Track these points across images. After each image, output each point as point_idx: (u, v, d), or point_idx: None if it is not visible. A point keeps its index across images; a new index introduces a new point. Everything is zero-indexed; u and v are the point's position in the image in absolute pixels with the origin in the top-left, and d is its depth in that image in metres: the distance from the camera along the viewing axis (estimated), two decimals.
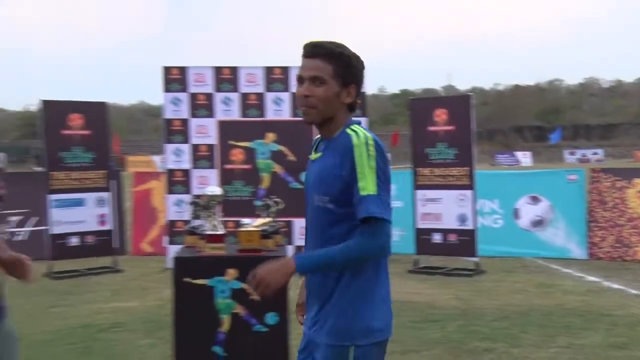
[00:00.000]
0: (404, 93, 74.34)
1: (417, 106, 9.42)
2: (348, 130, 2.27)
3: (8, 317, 2.30)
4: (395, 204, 10.59)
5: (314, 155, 2.39)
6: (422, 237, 9.07)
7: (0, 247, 2.29)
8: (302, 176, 8.71)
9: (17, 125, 66.81)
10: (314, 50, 2.28)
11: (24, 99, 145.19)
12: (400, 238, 10.48)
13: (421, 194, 9.11)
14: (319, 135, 2.44)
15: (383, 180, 2.20)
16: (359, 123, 2.36)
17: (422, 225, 9.08)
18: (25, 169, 29.99)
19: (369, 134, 2.25)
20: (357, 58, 2.33)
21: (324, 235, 2.27)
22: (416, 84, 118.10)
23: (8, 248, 2.28)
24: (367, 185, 2.15)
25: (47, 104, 8.90)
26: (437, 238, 9.00)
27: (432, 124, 9.00)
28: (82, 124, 9.03)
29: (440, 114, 8.97)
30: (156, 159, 43.41)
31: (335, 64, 2.26)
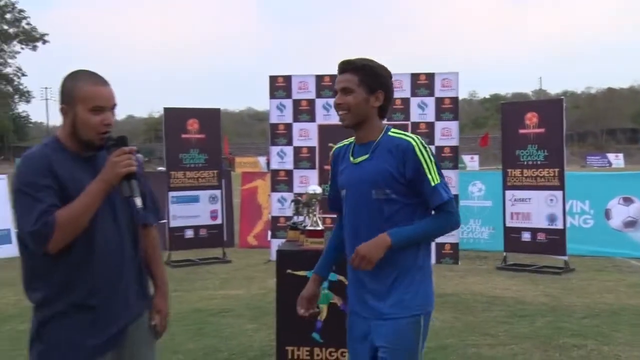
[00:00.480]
0: (495, 97, 72.18)
1: (509, 110, 9.18)
2: (396, 135, 2.54)
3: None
4: (485, 203, 10.35)
5: (358, 159, 2.59)
6: (511, 235, 8.79)
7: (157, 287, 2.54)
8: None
9: (143, 130, 70.35)
10: (343, 67, 2.57)
11: (149, 106, 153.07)
12: (489, 236, 10.23)
13: (511, 194, 8.83)
14: (342, 143, 2.74)
15: (439, 168, 2.51)
16: (390, 128, 2.61)
17: (511, 224, 8.80)
18: (150, 169, 31.47)
19: (414, 135, 2.54)
20: (382, 68, 2.60)
21: (387, 222, 2.48)
22: (507, 88, 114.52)
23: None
24: (434, 177, 2.46)
25: (169, 111, 9.33)
26: (526, 236, 8.70)
27: (523, 126, 8.72)
28: (197, 128, 9.39)
29: (531, 117, 8.67)
30: (261, 160, 44.48)
31: (360, 75, 2.54)
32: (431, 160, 2.47)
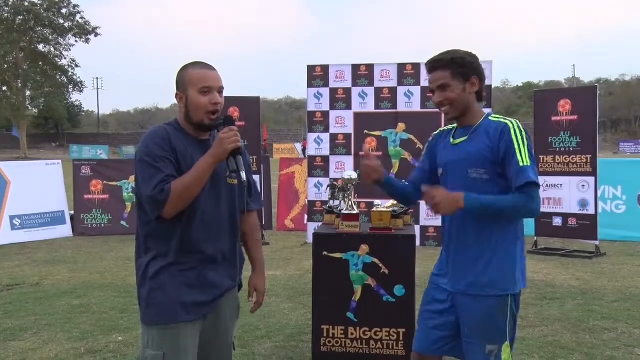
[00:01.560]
0: (527, 85, 70.67)
1: (542, 97, 8.98)
2: (495, 119, 2.54)
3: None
4: None
5: (457, 140, 2.60)
6: (543, 220, 8.63)
7: (255, 265, 2.80)
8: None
9: None
10: (432, 66, 2.58)
11: None
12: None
13: (543, 180, 8.65)
14: (445, 127, 2.76)
15: (532, 153, 2.46)
16: (492, 113, 2.61)
17: (542, 209, 8.62)
18: None
19: (513, 120, 2.52)
20: (469, 54, 2.58)
21: None
22: (539, 77, 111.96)
23: None
24: (524, 158, 2.41)
25: None
26: (557, 221, 8.54)
27: (556, 114, 8.52)
28: (238, 117, 9.43)
29: (565, 105, 8.47)
30: (297, 146, 44.53)
31: (452, 68, 2.54)
32: (524, 144, 2.44)
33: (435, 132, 2.83)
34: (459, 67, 2.54)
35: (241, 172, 2.28)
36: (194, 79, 2.30)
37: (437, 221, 8.14)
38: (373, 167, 2.75)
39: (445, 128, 2.79)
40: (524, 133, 2.47)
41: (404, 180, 2.93)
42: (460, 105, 2.57)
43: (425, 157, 2.84)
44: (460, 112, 2.59)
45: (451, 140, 2.65)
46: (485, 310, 2.47)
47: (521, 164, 2.40)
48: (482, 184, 2.48)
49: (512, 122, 2.49)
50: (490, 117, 2.58)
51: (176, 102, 2.40)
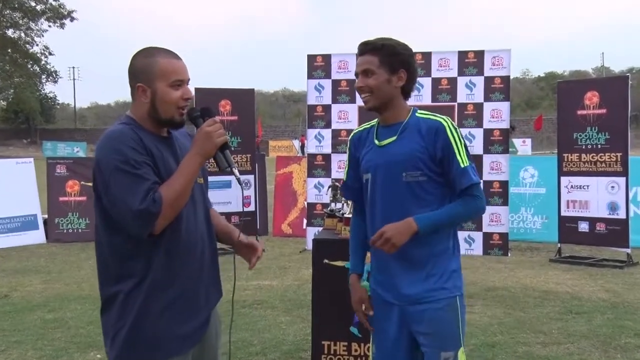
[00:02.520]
0: (551, 76, 70.68)
1: (566, 89, 8.97)
2: (425, 116, 2.61)
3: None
4: (538, 190, 10.17)
5: (384, 141, 2.63)
6: (567, 225, 8.63)
7: (234, 230, 2.59)
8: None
9: None
10: (362, 48, 2.64)
11: None
12: (542, 226, 10.08)
13: (567, 180, 8.66)
14: (361, 127, 2.81)
15: (468, 151, 2.57)
16: (417, 109, 2.67)
17: (567, 213, 8.64)
18: None
19: (444, 117, 2.59)
20: (403, 46, 2.64)
21: (419, 205, 2.54)
22: (564, 66, 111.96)
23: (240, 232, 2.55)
24: (463, 158, 2.52)
25: (199, 92, 9.37)
26: (583, 227, 8.53)
27: (582, 107, 8.52)
28: (230, 110, 9.45)
29: (592, 97, 8.46)
30: (296, 143, 44.54)
31: (380, 55, 2.59)
32: (461, 142, 2.54)
33: (353, 134, 2.84)
34: (388, 55, 2.59)
35: (234, 169, 2.27)
36: (164, 71, 2.22)
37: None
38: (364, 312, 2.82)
39: (362, 127, 2.81)
40: (458, 131, 2.56)
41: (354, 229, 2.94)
42: (381, 96, 2.61)
43: (351, 169, 2.85)
44: (380, 104, 2.63)
45: (376, 141, 2.67)
46: (439, 316, 2.54)
47: (462, 166, 2.52)
48: (419, 186, 2.55)
49: (445, 120, 2.56)
50: (417, 114, 2.64)
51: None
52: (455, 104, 8.24)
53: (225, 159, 2.26)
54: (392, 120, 2.65)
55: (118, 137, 2.15)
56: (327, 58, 8.99)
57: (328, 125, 8.97)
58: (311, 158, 9.09)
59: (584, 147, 8.51)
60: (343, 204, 4.47)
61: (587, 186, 8.49)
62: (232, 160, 2.28)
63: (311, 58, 9.06)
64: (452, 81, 8.31)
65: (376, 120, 2.74)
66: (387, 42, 2.62)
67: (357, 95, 9.62)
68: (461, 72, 8.30)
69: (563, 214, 8.68)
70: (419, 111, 2.66)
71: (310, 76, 9.02)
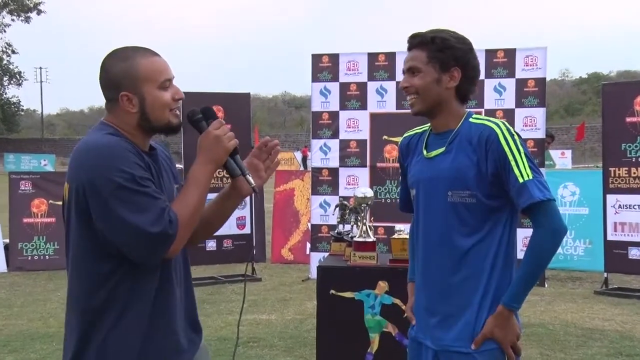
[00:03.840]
0: (594, 77, 70.82)
1: (613, 92, 8.97)
2: (478, 121, 2.54)
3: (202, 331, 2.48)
4: (579, 210, 10.16)
5: (432, 152, 2.60)
6: (615, 252, 8.60)
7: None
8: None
9: None
10: (410, 42, 2.60)
11: None
12: (585, 252, 10.05)
13: (614, 198, 8.64)
14: (413, 131, 2.79)
15: (533, 160, 2.46)
16: (472, 113, 2.61)
17: (614, 237, 8.61)
18: None
19: (499, 120, 2.52)
20: (459, 39, 2.57)
21: (462, 230, 2.50)
22: (610, 66, 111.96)
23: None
24: (524, 171, 2.41)
25: (187, 96, 9.35)
26: (635, 253, 8.50)
27: (632, 113, 8.52)
28: (222, 117, 9.47)
29: None
30: (298, 155, 44.61)
31: (429, 50, 2.54)
32: (519, 151, 2.43)
33: (402, 139, 2.85)
34: (438, 50, 2.53)
35: (248, 175, 2.26)
36: (150, 72, 2.22)
37: None
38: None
39: (414, 132, 2.80)
40: (515, 137, 2.47)
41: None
42: (429, 98, 2.56)
43: (402, 179, 2.88)
44: (427, 108, 2.58)
45: (424, 152, 2.66)
46: None
47: (521, 180, 2.40)
48: (465, 209, 2.50)
49: (498, 126, 2.49)
50: (471, 119, 2.58)
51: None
52: (482, 110, 8.28)
53: (237, 164, 2.26)
54: (443, 128, 2.61)
55: (114, 150, 2.11)
56: (334, 58, 9.04)
57: (335, 134, 9.00)
58: (316, 173, 9.12)
59: (634, 160, 8.49)
60: (352, 226, 4.48)
61: (638, 206, 8.48)
62: (244, 165, 2.28)
63: (316, 58, 9.11)
64: (479, 84, 8.31)
65: (428, 125, 2.71)
66: (439, 34, 2.56)
67: (369, 100, 9.67)
68: (489, 74, 8.35)
69: (610, 238, 8.65)
70: (474, 116, 2.61)
71: (315, 78, 9.08)
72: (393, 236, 4.30)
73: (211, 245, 9.47)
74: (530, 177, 2.40)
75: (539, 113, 8.26)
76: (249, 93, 10.02)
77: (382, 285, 4.12)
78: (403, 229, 4.41)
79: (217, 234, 9.42)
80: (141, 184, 2.08)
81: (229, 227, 9.51)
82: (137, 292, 2.17)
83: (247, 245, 9.66)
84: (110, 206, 2.06)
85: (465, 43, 2.58)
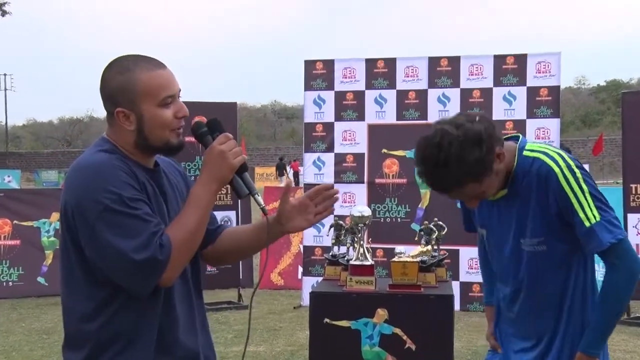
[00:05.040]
0: (613, 85, 71.11)
1: (634, 102, 8.97)
2: (532, 154, 2.54)
3: None
4: None
5: (497, 195, 2.62)
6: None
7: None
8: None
9: None
10: (436, 188, 2.57)
11: None
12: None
13: (635, 218, 8.67)
14: None
15: (599, 197, 2.46)
16: (525, 143, 2.61)
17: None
18: None
19: (557, 151, 2.51)
20: (478, 142, 2.41)
21: (538, 276, 2.59)
22: (631, 72, 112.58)
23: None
24: (589, 213, 2.43)
25: None
26: None
27: None
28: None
29: None
30: (289, 170, 44.60)
31: (456, 185, 2.47)
32: (582, 190, 2.44)
33: None
34: (465, 174, 2.44)
35: (256, 195, 2.28)
36: (149, 88, 2.20)
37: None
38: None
39: None
40: (577, 173, 2.46)
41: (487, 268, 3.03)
42: (496, 186, 2.57)
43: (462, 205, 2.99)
44: (499, 188, 2.60)
45: None
46: None
47: (588, 225, 2.43)
48: (540, 258, 2.58)
49: (557, 163, 2.48)
50: (525, 153, 2.58)
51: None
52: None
53: (245, 183, 2.25)
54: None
55: (104, 169, 2.11)
56: (329, 64, 9.06)
57: (330, 148, 9.01)
58: (308, 189, 9.08)
59: None
60: (348, 248, 4.49)
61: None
62: (252, 184, 2.28)
63: (309, 64, 9.13)
64: (487, 92, 8.40)
65: None
66: (442, 172, 2.45)
67: (367, 110, 9.66)
68: (498, 82, 8.39)
69: None
70: (526, 147, 2.60)
71: (307, 87, 9.09)
72: (393, 259, 4.30)
73: None
74: (597, 220, 2.42)
75: (553, 124, 8.28)
76: (236, 102, 10.03)
77: (381, 313, 4.12)
78: (404, 251, 4.42)
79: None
80: (130, 205, 2.07)
81: None
82: (139, 323, 2.16)
83: (232, 269, 9.64)
84: (96, 230, 2.06)
85: (484, 138, 2.44)
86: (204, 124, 2.31)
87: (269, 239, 2.38)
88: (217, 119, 2.34)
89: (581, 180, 2.44)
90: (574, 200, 2.43)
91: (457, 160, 2.40)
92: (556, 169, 2.46)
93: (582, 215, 2.42)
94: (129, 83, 2.20)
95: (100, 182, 2.08)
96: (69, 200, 2.12)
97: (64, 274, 2.20)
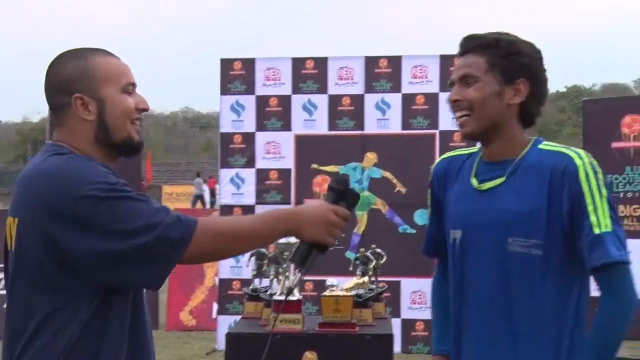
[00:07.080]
0: (574, 91, 72.87)
1: (596, 111, 9.14)
2: (551, 148, 2.52)
3: None
4: None
5: (486, 184, 2.56)
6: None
7: None
8: (417, 215, 8.64)
9: (16, 141, 70.62)
10: (466, 45, 2.57)
11: (22, 108, 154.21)
12: None
13: None
14: (451, 154, 2.77)
15: (614, 209, 2.44)
16: (542, 140, 2.59)
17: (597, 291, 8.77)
18: None
19: (582, 150, 2.50)
20: (527, 44, 2.56)
21: (524, 289, 2.45)
22: (593, 77, 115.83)
23: None
24: (602, 220, 2.37)
25: None
26: None
27: (618, 137, 8.70)
28: None
29: (631, 123, 8.67)
30: (205, 189, 44.43)
31: (489, 55, 2.51)
32: (601, 194, 2.40)
33: (436, 164, 2.81)
34: (502, 56, 2.50)
35: (300, 273, 2.36)
36: (111, 72, 2.29)
37: (427, 312, 8.20)
38: None
39: (453, 154, 2.78)
40: (599, 174, 2.44)
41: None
42: (486, 116, 2.52)
43: (434, 214, 2.82)
44: (483, 129, 2.54)
45: (473, 182, 2.61)
46: None
47: (597, 231, 2.37)
48: (530, 262, 2.46)
49: (580, 156, 2.46)
50: (541, 146, 2.55)
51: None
52: (436, 132, 8.40)
53: (307, 257, 2.28)
54: (501, 156, 2.57)
55: (75, 165, 2.17)
56: (249, 64, 9.04)
57: (251, 162, 8.99)
58: (225, 212, 9.05)
59: (622, 196, 8.59)
60: (272, 281, 4.47)
61: (629, 252, 8.65)
62: (311, 265, 2.31)
63: (226, 64, 9.10)
64: (432, 98, 8.48)
65: (478, 147, 2.68)
66: (504, 37, 2.54)
67: (294, 119, 9.71)
68: (444, 87, 8.49)
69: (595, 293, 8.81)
70: (545, 142, 2.58)
71: (224, 90, 9.06)
72: (324, 293, 4.31)
73: None
74: (609, 230, 2.37)
75: None
76: None
77: (310, 356, 4.12)
78: (336, 284, 4.42)
79: None
80: (124, 190, 2.14)
81: None
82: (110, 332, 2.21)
83: None
84: (94, 227, 2.08)
85: (535, 51, 2.57)
86: (341, 181, 2.36)
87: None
88: (352, 189, 2.37)
89: (601, 184, 2.41)
90: (589, 201, 2.38)
91: (508, 42, 2.51)
92: (578, 162, 2.42)
93: (593, 219, 2.37)
94: (87, 68, 2.27)
95: (76, 179, 2.11)
96: (34, 209, 2.12)
97: (14, 297, 2.21)
